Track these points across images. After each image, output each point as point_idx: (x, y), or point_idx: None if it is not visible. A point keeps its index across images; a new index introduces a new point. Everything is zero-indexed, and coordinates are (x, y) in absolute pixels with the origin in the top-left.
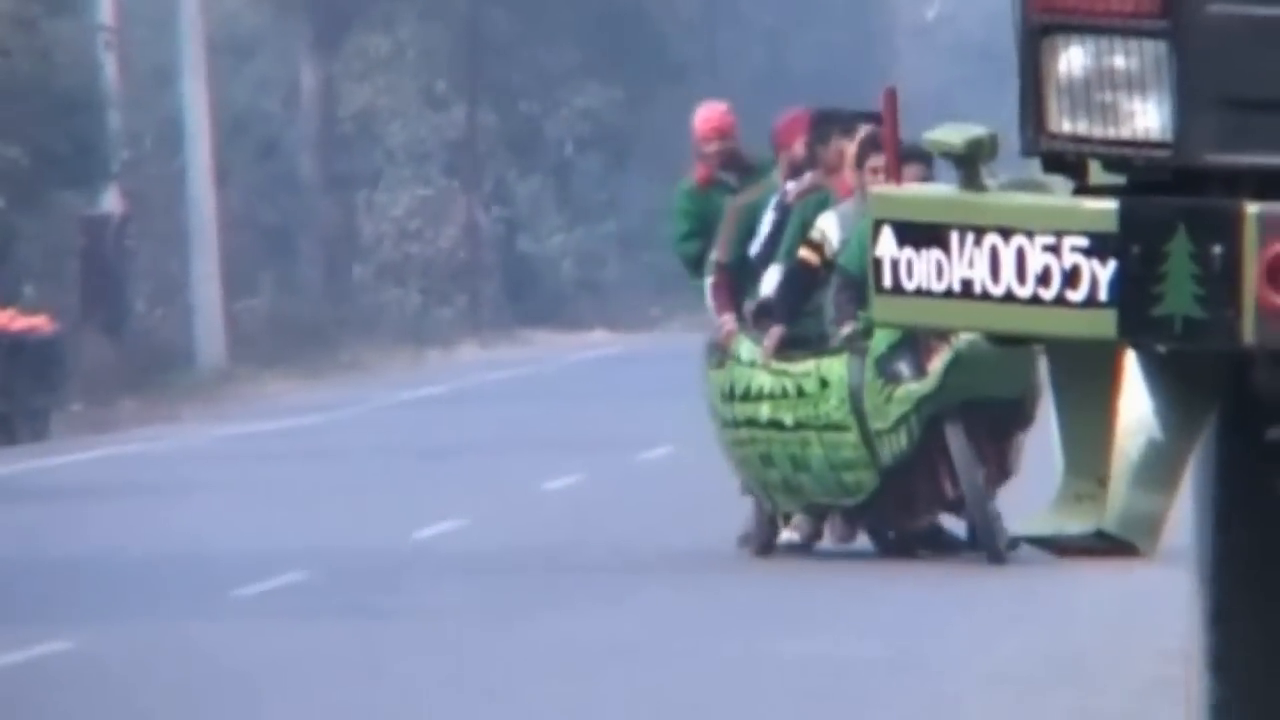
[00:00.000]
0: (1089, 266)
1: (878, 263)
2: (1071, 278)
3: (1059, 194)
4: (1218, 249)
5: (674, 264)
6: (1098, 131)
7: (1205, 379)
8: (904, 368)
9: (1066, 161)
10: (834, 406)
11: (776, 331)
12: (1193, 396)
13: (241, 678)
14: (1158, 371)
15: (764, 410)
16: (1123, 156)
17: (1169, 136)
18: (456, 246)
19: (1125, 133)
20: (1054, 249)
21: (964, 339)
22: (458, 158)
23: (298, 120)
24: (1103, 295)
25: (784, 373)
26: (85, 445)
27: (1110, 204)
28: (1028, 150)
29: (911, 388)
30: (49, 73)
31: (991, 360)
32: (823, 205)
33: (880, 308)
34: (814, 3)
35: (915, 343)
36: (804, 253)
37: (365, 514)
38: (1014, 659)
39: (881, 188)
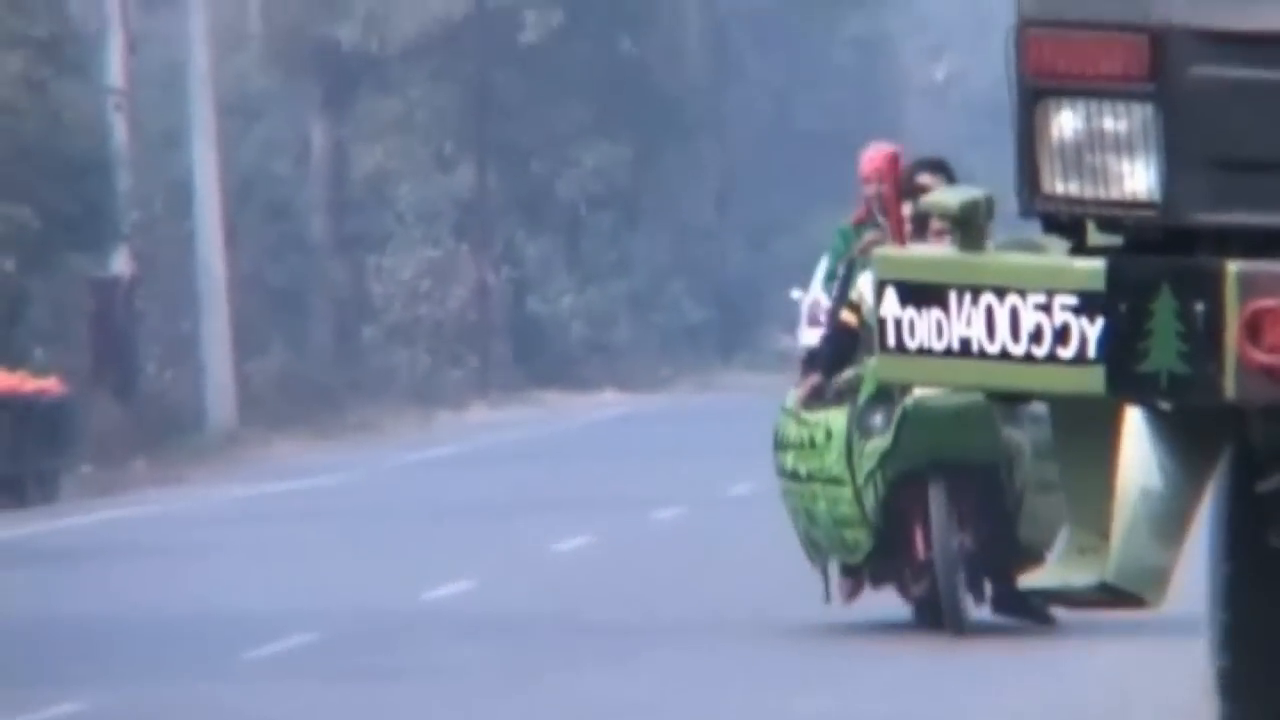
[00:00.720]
0: (1079, 324)
1: (882, 322)
2: (1062, 335)
3: (1055, 253)
4: (1200, 306)
5: (683, 324)
6: (1089, 193)
7: (1208, 433)
8: (878, 420)
9: (1063, 222)
10: (834, 460)
11: (810, 381)
12: (1196, 450)
13: None
14: (1162, 426)
15: (789, 460)
16: (1113, 217)
17: (1156, 197)
18: (466, 307)
19: (1115, 193)
20: (1045, 308)
21: (912, 397)
22: (467, 219)
23: (307, 181)
24: (1091, 352)
25: (805, 422)
26: (95, 507)
27: (1098, 263)
28: (1024, 211)
29: (876, 443)
30: (58, 134)
31: (947, 420)
32: None
33: (885, 366)
34: (821, 63)
35: (891, 396)
36: (845, 314)
37: (375, 575)
38: (1016, 714)
39: (885, 249)
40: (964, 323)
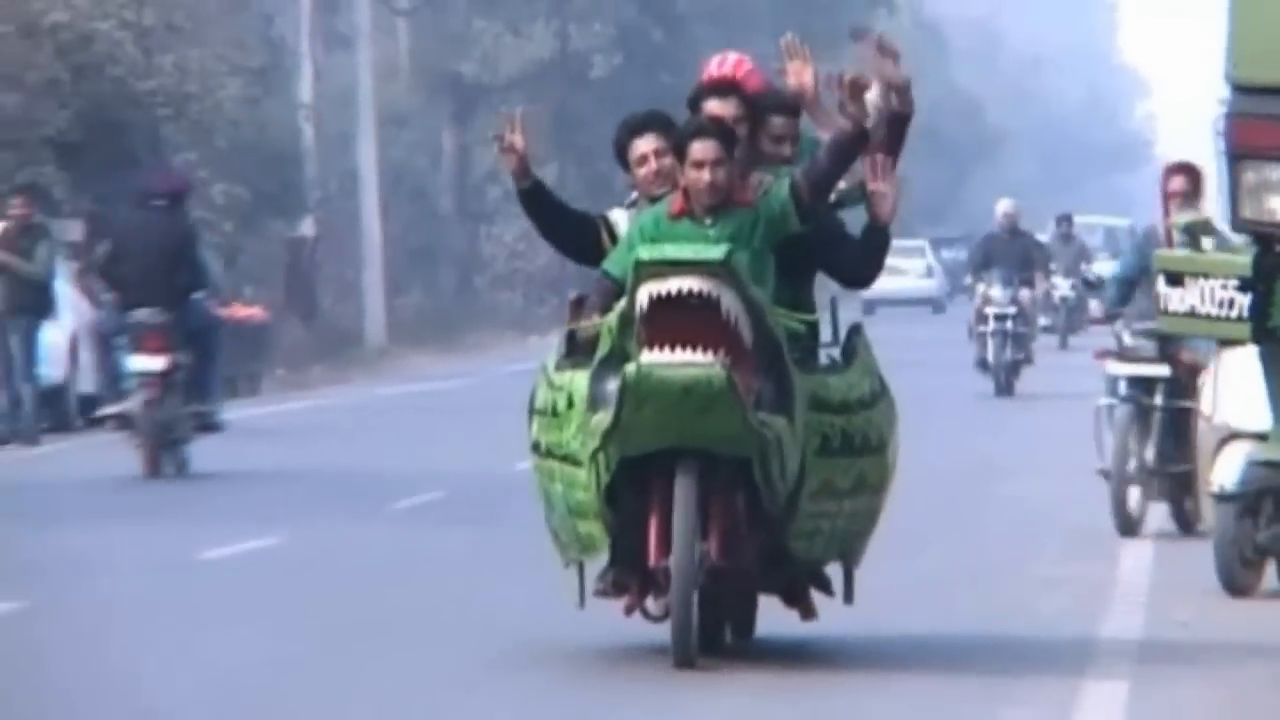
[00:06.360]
0: (1239, 297)
1: (1157, 296)
2: (1232, 304)
3: (1243, 254)
4: None
5: None
6: (1264, 217)
7: None
8: (611, 388)
9: (1257, 236)
10: (572, 433)
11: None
12: None
13: (398, 570)
14: None
15: (535, 429)
16: (1273, 234)
17: None
18: (550, 264)
19: (1276, 218)
20: (1225, 286)
21: (638, 362)
22: None
23: (440, 172)
24: (1245, 315)
25: (552, 385)
26: (286, 399)
27: (1249, 259)
28: (1234, 228)
29: (601, 417)
30: (265, 136)
31: (676, 396)
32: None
33: (1163, 322)
34: None
35: (628, 357)
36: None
37: (484, 450)
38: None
39: (1162, 251)
40: (1193, 296)
